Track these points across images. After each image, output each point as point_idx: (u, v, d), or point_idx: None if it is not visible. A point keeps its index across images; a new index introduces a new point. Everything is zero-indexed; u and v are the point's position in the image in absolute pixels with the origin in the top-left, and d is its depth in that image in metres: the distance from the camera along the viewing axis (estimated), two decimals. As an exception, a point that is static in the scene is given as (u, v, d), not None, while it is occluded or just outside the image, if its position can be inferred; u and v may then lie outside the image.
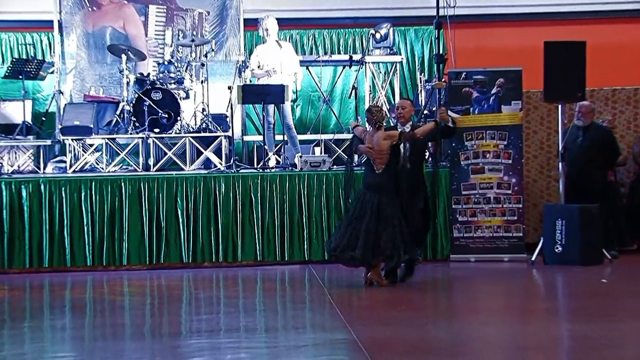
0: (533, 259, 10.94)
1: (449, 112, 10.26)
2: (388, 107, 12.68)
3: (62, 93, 13.28)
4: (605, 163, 11.59)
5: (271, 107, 12.41)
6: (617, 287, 9.39)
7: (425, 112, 12.43)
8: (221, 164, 12.15)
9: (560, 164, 11.44)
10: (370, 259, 9.29)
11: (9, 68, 12.97)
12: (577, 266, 10.55)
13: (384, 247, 9.16)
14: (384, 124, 9.63)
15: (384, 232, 9.17)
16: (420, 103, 13.01)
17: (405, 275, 9.61)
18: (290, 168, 12.00)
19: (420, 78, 13.58)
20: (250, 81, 12.94)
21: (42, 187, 11.44)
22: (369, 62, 13.39)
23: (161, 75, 12.50)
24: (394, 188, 9.31)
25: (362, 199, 9.39)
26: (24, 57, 13.41)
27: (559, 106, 11.49)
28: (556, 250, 10.85)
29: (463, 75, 11.69)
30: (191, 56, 12.85)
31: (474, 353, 6.67)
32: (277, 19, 12.84)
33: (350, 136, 12.99)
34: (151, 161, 12.14)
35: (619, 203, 12.00)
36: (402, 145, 9.34)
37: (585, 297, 8.74)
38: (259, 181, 11.54)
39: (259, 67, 12.57)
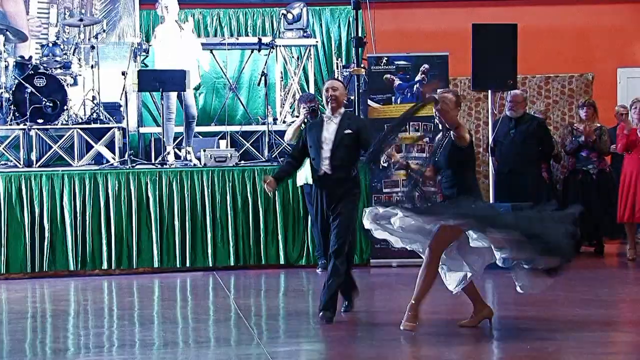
0: (461, 263, 11.05)
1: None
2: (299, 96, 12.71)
3: None
4: (539, 157, 11.77)
5: (173, 96, 12.26)
6: (550, 294, 9.54)
7: (344, 101, 12.46)
8: (114, 158, 12.03)
9: (490, 158, 11.60)
10: None
11: None
12: (508, 271, 10.67)
13: None
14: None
15: None
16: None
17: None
18: (192, 163, 11.92)
19: (337, 63, 13.65)
20: (147, 65, 12.82)
21: None
22: (280, 46, 13.40)
23: (45, 58, 12.35)
24: None
25: None
26: None
27: (489, 95, 11.65)
28: (486, 253, 10.97)
29: (384, 61, 11.77)
30: (79, 37, 12.72)
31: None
32: (177, -5, 12.76)
33: (259, 128, 13.02)
34: (34, 156, 11.98)
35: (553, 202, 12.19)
36: None
37: (517, 306, 8.85)
38: (157, 178, 11.47)
39: None
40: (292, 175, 9.59)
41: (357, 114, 12.14)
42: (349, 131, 8.22)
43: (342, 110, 8.45)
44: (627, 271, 11.52)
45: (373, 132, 8.44)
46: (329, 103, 8.41)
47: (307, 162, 10.98)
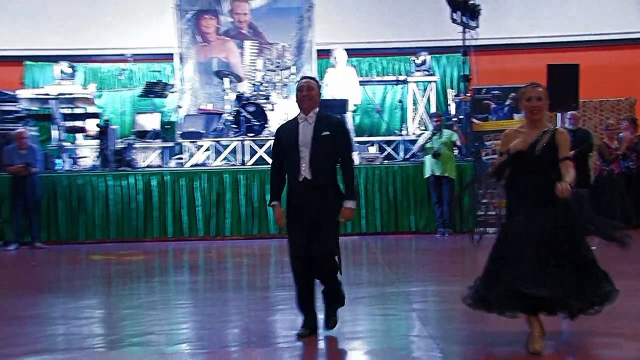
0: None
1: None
2: (429, 114, 12.62)
3: (181, 107, 13.43)
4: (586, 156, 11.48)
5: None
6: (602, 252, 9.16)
7: (454, 119, 12.29)
8: (299, 159, 12.12)
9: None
10: None
11: (143, 89, 13.19)
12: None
13: None
14: None
15: None
16: (449, 112, 12.87)
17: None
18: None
19: (451, 93, 13.42)
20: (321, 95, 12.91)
21: (167, 177, 11.59)
22: (411, 82, 13.28)
23: (254, 93, 12.56)
24: None
25: None
26: (153, 81, 13.57)
27: (558, 114, 11.27)
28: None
29: (484, 91, 11.57)
30: (276, 78, 12.88)
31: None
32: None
33: (397, 138, 12.92)
34: (246, 158, 12.19)
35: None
36: None
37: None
38: (327, 172, 11.50)
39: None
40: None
41: (464, 129, 11.93)
42: (327, 132, 5.29)
43: (317, 109, 5.38)
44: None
45: (349, 139, 5.51)
46: (303, 102, 5.36)
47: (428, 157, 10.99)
